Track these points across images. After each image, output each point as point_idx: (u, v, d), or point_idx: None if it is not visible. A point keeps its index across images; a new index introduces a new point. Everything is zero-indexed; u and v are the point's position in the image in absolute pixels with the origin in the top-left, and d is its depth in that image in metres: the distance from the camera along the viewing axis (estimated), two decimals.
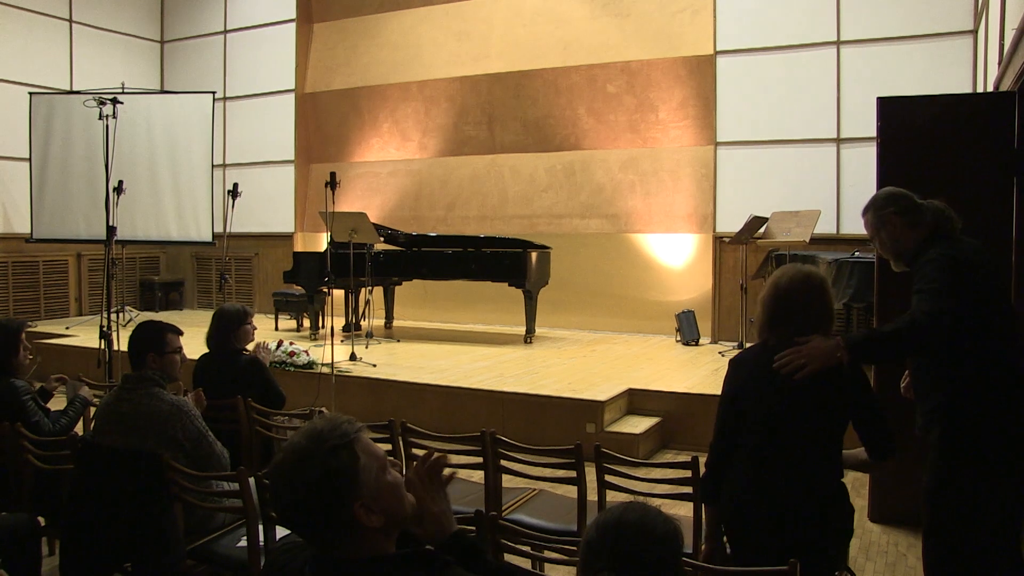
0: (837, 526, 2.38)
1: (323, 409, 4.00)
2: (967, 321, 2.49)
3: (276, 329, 9.36)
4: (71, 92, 10.42)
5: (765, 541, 2.34)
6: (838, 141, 8.09)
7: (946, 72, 7.45)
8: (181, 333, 3.33)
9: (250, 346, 4.29)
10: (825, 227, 7.77)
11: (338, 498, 1.48)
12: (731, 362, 2.61)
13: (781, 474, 2.34)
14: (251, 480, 2.81)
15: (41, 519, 3.39)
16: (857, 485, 4.92)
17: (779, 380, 2.35)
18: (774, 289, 2.47)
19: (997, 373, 2.58)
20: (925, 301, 2.47)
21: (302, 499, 1.49)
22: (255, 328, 4.33)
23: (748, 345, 7.65)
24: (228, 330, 4.15)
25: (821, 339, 2.35)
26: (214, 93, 10.67)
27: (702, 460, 2.99)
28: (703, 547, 2.63)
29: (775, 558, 2.10)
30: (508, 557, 2.40)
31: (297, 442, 1.53)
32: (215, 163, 10.62)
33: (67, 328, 9.45)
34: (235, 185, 8.68)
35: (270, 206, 11.20)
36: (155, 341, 3.20)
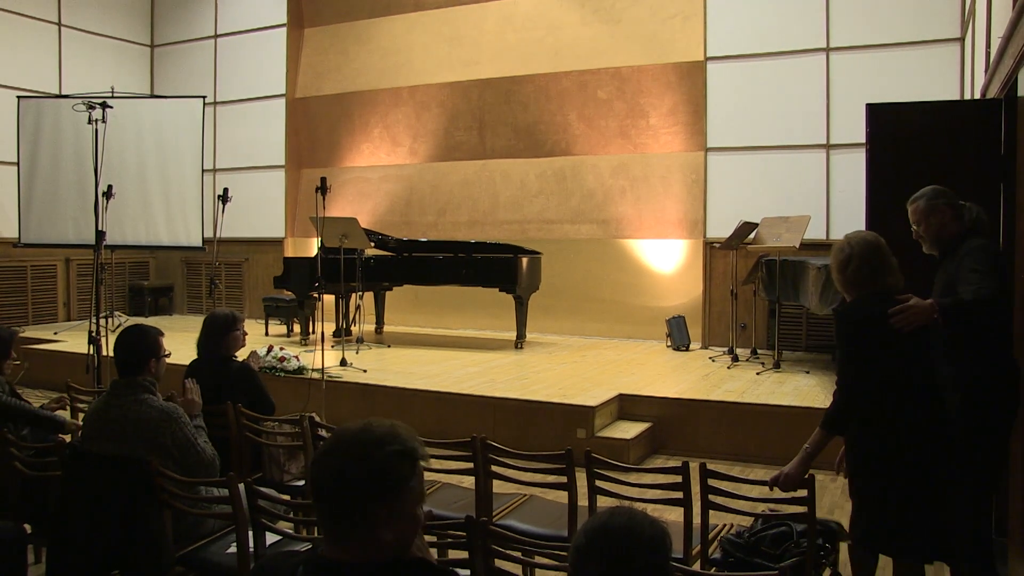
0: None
1: (313, 415, 3.98)
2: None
3: (266, 334, 9.33)
4: (60, 96, 10.38)
5: (914, 464, 2.79)
6: (827, 147, 8.13)
7: (934, 79, 7.51)
8: (163, 334, 3.32)
9: (242, 353, 4.28)
10: (815, 233, 7.80)
11: (378, 492, 1.52)
12: (854, 319, 2.88)
13: (924, 396, 2.82)
14: (241, 486, 2.80)
15: (27, 526, 3.36)
16: (842, 501, 4.94)
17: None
18: (867, 244, 2.91)
19: (1003, 354, 3.08)
20: (987, 280, 2.91)
21: (349, 474, 1.52)
22: (245, 334, 4.32)
23: (737, 348, 7.70)
24: (218, 336, 4.13)
25: (919, 300, 2.80)
26: (204, 98, 10.65)
27: (693, 466, 3.01)
28: (787, 470, 2.95)
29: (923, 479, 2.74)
30: (498, 563, 2.40)
31: (374, 428, 1.57)
32: (205, 168, 10.59)
33: (55, 333, 9.39)
34: (225, 190, 8.65)
35: (260, 211, 11.17)
36: (155, 346, 3.19)
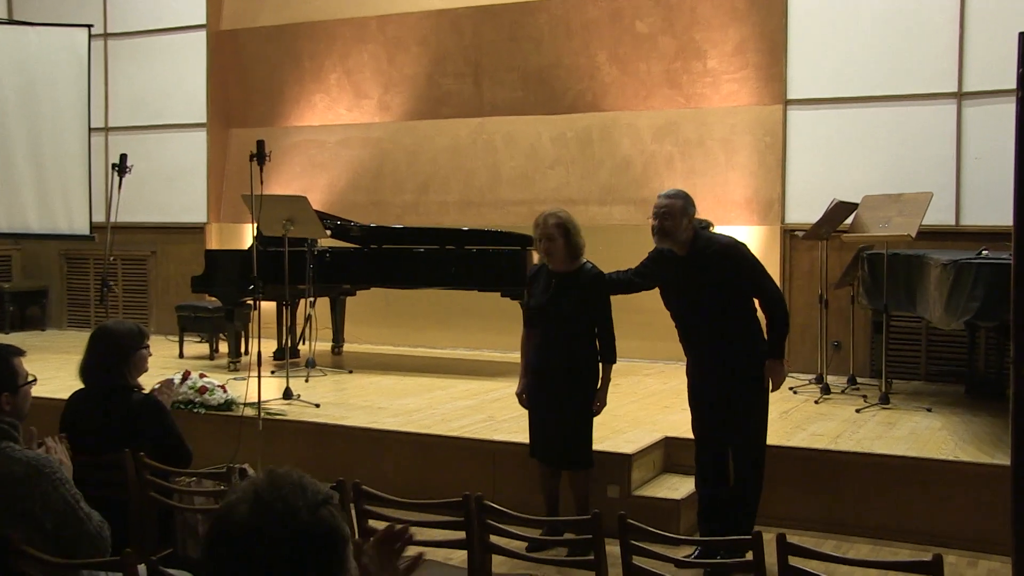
0: None
1: (246, 467, 3.97)
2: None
3: (181, 356, 9.35)
4: None
5: None
6: (959, 96, 8.11)
7: None
8: (24, 353, 3.32)
9: (147, 381, 4.28)
10: (938, 216, 7.78)
11: (336, 562, 1.58)
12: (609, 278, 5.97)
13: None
14: (141, 568, 2.77)
15: None
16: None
17: None
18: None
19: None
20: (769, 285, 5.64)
21: (295, 556, 1.54)
22: (151, 355, 4.31)
23: (828, 375, 7.68)
24: (114, 358, 4.14)
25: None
26: (91, 27, 10.63)
27: (767, 537, 3.02)
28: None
29: None
30: None
31: (268, 489, 1.59)
32: (93, 126, 10.64)
33: None
34: (123, 157, 8.64)
35: (173, 186, 11.22)
36: (6, 375, 3.17)
